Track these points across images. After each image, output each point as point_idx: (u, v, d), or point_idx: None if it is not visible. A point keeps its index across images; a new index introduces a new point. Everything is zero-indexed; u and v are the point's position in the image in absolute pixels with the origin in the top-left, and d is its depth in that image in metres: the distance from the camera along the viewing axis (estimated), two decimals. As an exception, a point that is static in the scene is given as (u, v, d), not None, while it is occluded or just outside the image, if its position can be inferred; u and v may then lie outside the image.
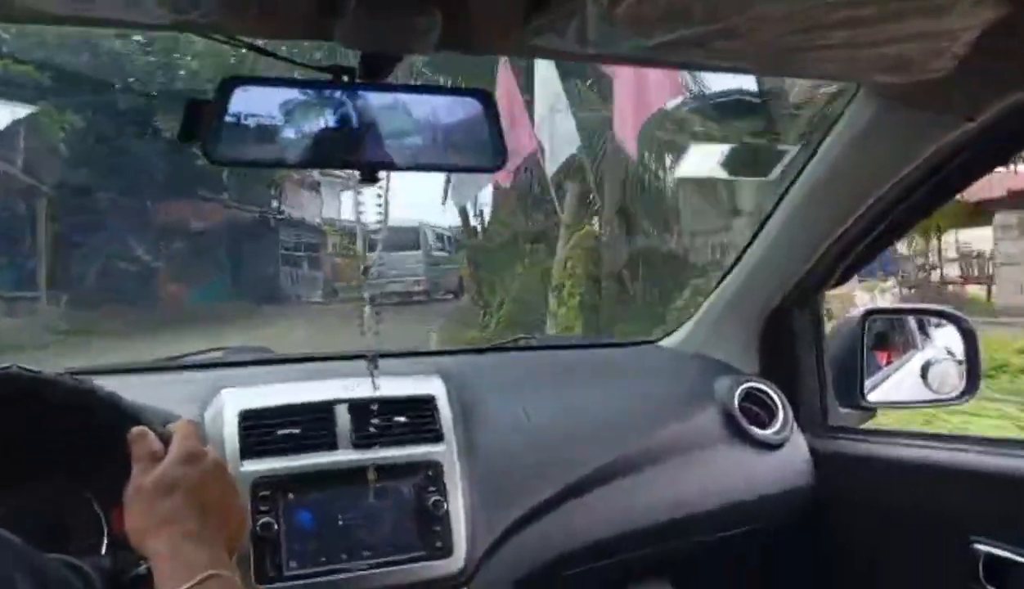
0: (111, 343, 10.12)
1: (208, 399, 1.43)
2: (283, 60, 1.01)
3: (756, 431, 1.77)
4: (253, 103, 0.99)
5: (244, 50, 1.04)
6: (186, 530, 0.93)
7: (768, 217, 1.76)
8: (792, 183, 1.65)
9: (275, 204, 18.83)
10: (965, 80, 1.13)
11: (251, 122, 0.99)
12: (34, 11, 0.85)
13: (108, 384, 1.11)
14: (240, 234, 16.69)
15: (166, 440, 1.02)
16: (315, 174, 17.36)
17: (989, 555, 1.43)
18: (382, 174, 1.08)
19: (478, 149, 1.09)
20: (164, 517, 0.94)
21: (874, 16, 1.00)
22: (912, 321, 2.02)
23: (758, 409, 1.81)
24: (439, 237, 19.76)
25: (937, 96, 1.22)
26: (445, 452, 1.45)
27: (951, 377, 1.87)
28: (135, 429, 1.02)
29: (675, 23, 0.98)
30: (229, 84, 0.97)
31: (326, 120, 1.02)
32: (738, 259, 1.90)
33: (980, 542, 1.44)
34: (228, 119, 0.97)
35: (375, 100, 1.04)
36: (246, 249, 16.96)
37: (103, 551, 1.10)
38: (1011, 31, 1.02)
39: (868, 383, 1.86)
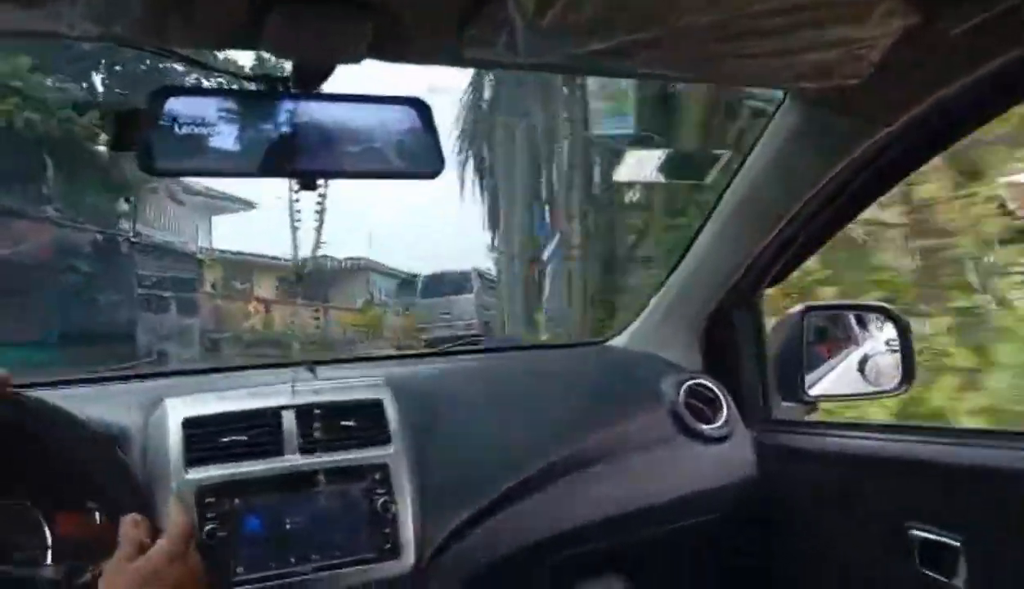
0: None
1: (151, 408, 1.43)
2: (212, 69, 1.02)
3: (701, 426, 1.81)
4: (187, 112, 1.00)
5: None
6: None
7: (707, 219, 1.80)
8: (727, 186, 1.70)
9: (127, 223, 13.20)
10: (882, 86, 1.18)
11: (185, 131, 1.00)
12: None
13: (50, 396, 1.11)
14: (76, 263, 11.81)
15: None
16: (186, 184, 14.12)
17: (924, 540, 1.47)
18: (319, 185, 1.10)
19: (415, 156, 1.11)
20: None
21: (794, 24, 1.05)
22: (851, 316, 2.07)
23: (703, 405, 1.85)
24: (490, 281, 19.46)
25: (857, 102, 1.27)
26: (393, 454, 1.46)
27: (888, 369, 1.92)
28: (130, 516, 1.07)
29: (601, 33, 1.01)
30: (162, 93, 0.98)
31: (262, 129, 1.03)
32: (680, 259, 1.94)
33: (915, 527, 1.49)
34: (162, 128, 0.98)
35: (310, 109, 1.06)
36: (86, 287, 11.95)
37: (48, 560, 1.10)
38: (923, 39, 1.07)
39: (809, 377, 1.91)
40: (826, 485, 1.71)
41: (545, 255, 14.04)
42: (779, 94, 1.47)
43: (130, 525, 1.06)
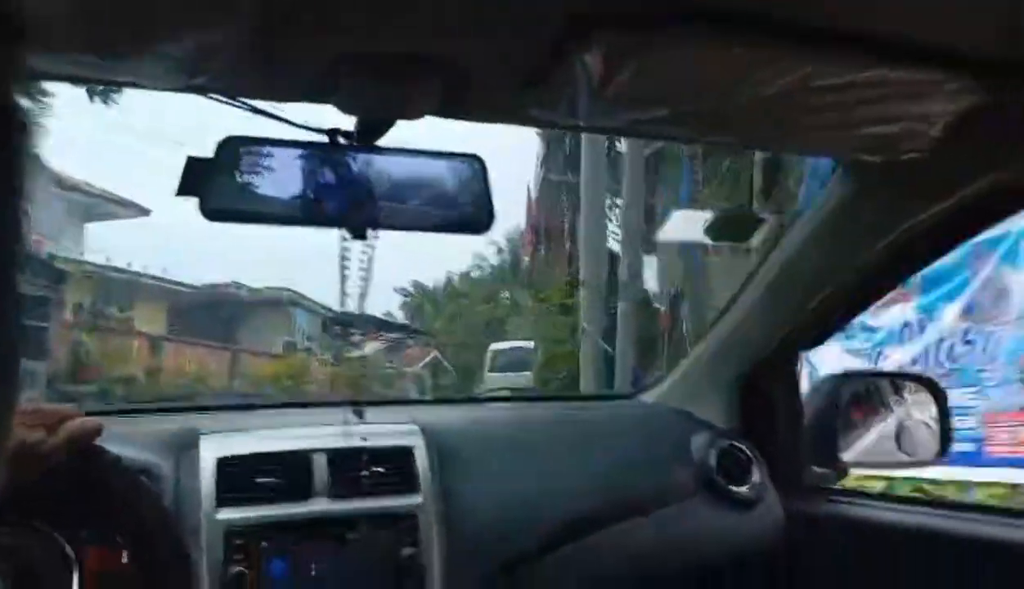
0: None
1: (185, 445, 1.43)
2: (283, 121, 1.03)
3: (732, 488, 1.78)
4: (251, 163, 1.01)
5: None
6: None
7: (749, 279, 1.79)
8: (772, 248, 1.69)
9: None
10: (942, 161, 1.17)
11: (247, 180, 1.01)
12: (51, 71, 0.87)
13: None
14: None
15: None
16: (60, 175, 11.82)
17: None
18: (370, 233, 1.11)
19: (468, 211, 1.12)
20: None
21: (858, 98, 1.04)
22: (888, 384, 2.05)
23: (734, 466, 1.83)
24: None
25: (914, 175, 1.26)
26: (421, 504, 1.45)
27: (924, 439, 1.89)
28: None
29: (663, 102, 1.01)
30: (228, 143, 1.00)
31: (320, 180, 1.04)
32: (719, 318, 1.93)
33: None
34: (226, 176, 0.99)
35: (370, 161, 1.07)
36: None
37: None
38: (986, 118, 1.07)
39: (843, 443, 1.88)
40: (856, 556, 1.68)
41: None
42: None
43: None
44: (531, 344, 16.87)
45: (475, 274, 30.48)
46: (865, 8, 0.91)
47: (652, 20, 0.89)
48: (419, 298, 31.67)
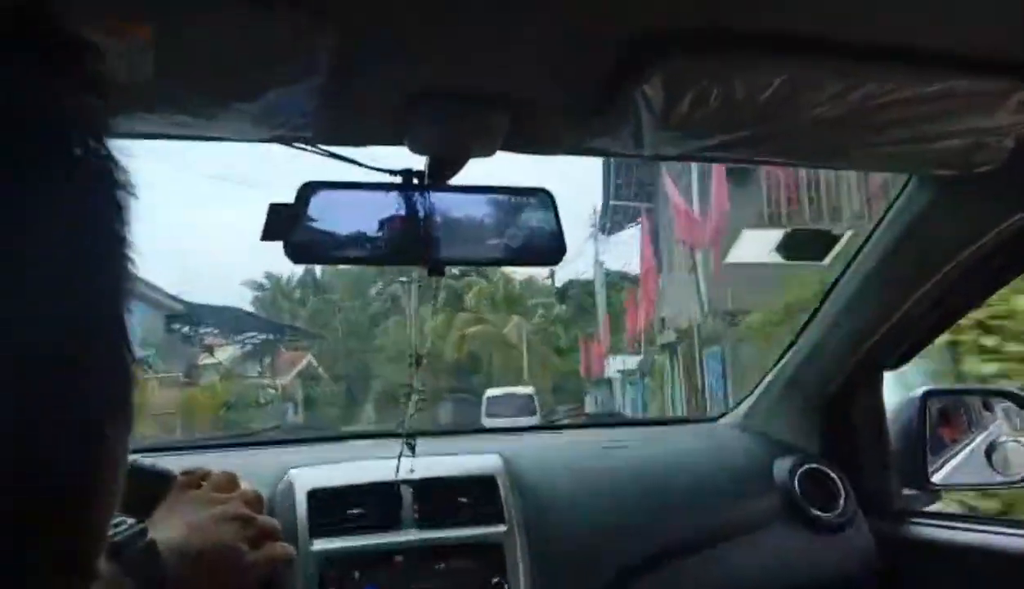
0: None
1: (276, 478, 1.49)
2: (360, 165, 1.09)
3: (817, 513, 1.75)
4: (330, 205, 1.06)
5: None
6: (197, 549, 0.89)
7: (826, 297, 1.77)
8: (848, 265, 1.67)
9: None
10: (1016, 172, 1.16)
11: (328, 223, 1.06)
12: (137, 130, 0.94)
13: (181, 462, 1.16)
14: None
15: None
16: None
17: None
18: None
19: (540, 246, 1.15)
20: (198, 527, 0.91)
21: (925, 114, 1.04)
22: (976, 401, 2.00)
23: (819, 490, 1.80)
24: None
25: (989, 187, 1.24)
26: (506, 532, 1.48)
27: (1018, 458, 1.83)
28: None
29: (727, 127, 1.03)
30: (308, 188, 1.05)
31: (397, 220, 1.09)
32: (797, 338, 1.91)
33: None
34: (307, 220, 1.05)
35: (443, 199, 1.11)
36: None
37: None
38: None
39: (932, 464, 1.83)
40: (952, 582, 1.64)
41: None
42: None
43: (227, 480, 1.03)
44: (529, 390, 17.45)
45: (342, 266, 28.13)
46: (924, 23, 0.92)
47: (710, 47, 0.91)
48: (272, 292, 28.61)
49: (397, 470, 1.46)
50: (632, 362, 19.77)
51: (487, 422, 16.27)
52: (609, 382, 22.20)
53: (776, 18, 0.89)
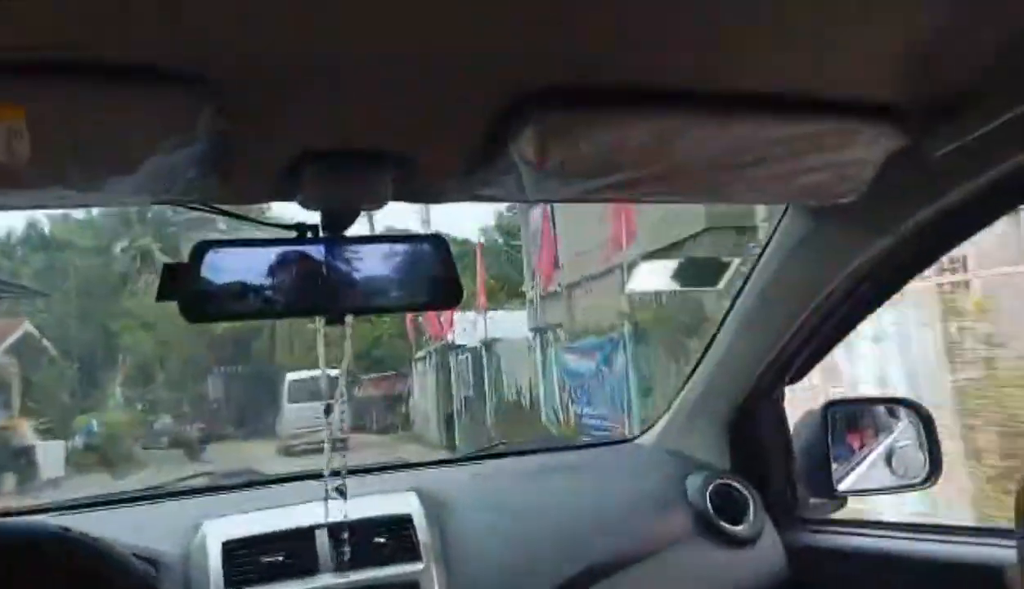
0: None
1: (190, 531, 1.48)
2: (252, 222, 1.11)
3: (728, 527, 1.79)
4: (225, 263, 1.08)
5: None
6: None
7: (724, 319, 1.85)
8: (741, 289, 1.75)
9: None
10: (877, 202, 1.24)
11: (224, 281, 1.08)
12: (20, 204, 0.94)
13: (88, 520, 1.16)
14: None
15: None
16: None
17: None
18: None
19: (435, 289, 1.18)
20: None
21: (790, 151, 1.11)
22: (875, 409, 2.08)
23: (730, 505, 1.85)
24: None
25: (855, 214, 1.32)
26: (423, 570, 1.50)
27: (915, 462, 1.92)
28: None
29: (603, 172, 1.09)
30: (202, 247, 1.07)
31: (294, 273, 1.11)
32: (702, 357, 1.97)
33: None
34: (202, 280, 1.06)
35: (338, 252, 1.14)
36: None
37: None
38: (910, 161, 1.14)
39: (837, 472, 1.91)
40: (859, 586, 1.70)
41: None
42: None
43: None
44: (335, 372, 15.83)
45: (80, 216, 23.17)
46: (786, 70, 0.99)
47: (579, 102, 0.97)
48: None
49: (326, 514, 1.47)
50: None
51: (289, 408, 15.21)
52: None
53: (643, 73, 0.95)
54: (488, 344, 15.25)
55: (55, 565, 1.11)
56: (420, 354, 18.61)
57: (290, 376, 16.32)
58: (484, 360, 15.38)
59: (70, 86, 0.79)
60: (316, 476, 1.74)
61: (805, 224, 1.50)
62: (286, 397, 15.99)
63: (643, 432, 2.18)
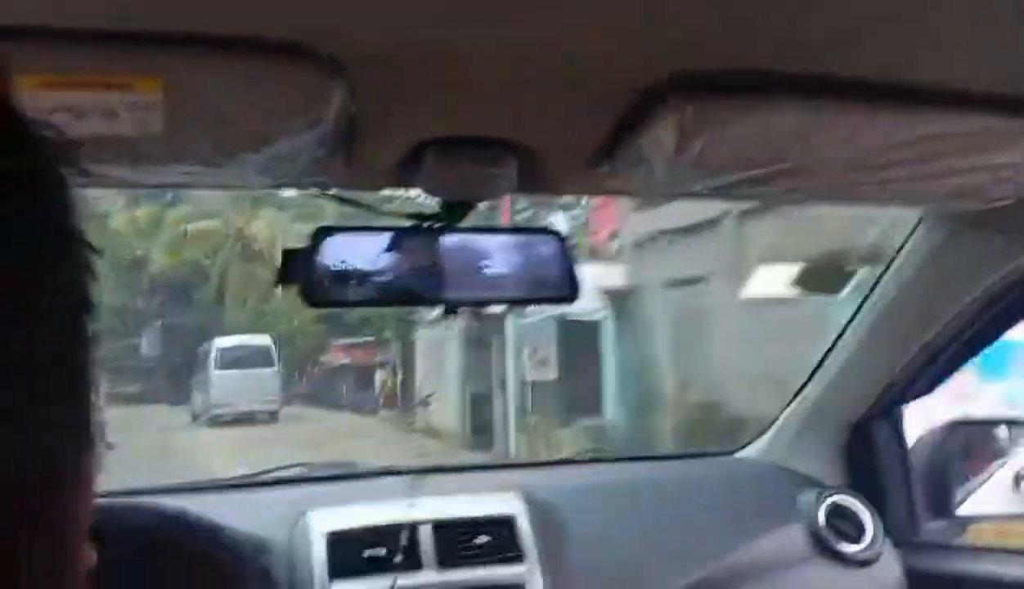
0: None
1: (294, 520, 1.48)
2: (372, 210, 1.10)
3: (845, 548, 1.71)
4: (343, 249, 1.07)
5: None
6: None
7: (845, 328, 1.76)
8: (866, 299, 1.66)
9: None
10: None
11: (342, 267, 1.07)
12: (142, 182, 0.95)
13: (193, 504, 1.17)
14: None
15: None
16: None
17: None
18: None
19: (552, 283, 1.15)
20: None
21: (936, 151, 1.04)
22: (1001, 429, 1.97)
23: (845, 524, 1.77)
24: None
25: (1002, 221, 1.24)
26: (526, 572, 1.47)
27: (1046, 485, 1.81)
28: None
29: (740, 167, 1.03)
30: (321, 233, 1.06)
31: (411, 262, 1.10)
32: (816, 370, 1.89)
33: None
34: (321, 265, 1.06)
35: (456, 242, 1.12)
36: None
37: None
38: None
39: (959, 495, 1.81)
40: None
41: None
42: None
43: None
44: (266, 339, 14.40)
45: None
46: (938, 61, 0.92)
47: (721, 91, 0.92)
48: None
49: (427, 511, 1.47)
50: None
51: (217, 374, 14.36)
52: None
53: (784, 60, 0.90)
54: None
55: (175, 547, 1.12)
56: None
57: (218, 341, 15.17)
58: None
59: (205, 59, 0.78)
60: (413, 471, 1.74)
61: (942, 232, 1.41)
62: (214, 363, 14.84)
63: (744, 445, 2.11)
